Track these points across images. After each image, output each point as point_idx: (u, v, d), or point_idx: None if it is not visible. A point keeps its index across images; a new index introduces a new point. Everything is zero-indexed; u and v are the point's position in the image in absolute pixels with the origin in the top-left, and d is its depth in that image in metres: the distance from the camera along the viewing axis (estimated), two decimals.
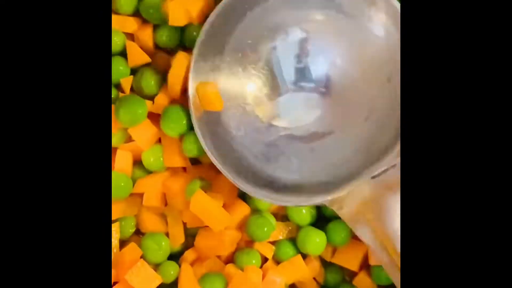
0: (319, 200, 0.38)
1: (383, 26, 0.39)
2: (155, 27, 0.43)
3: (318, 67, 0.41)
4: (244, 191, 0.39)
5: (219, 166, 0.39)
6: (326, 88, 0.41)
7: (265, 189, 0.39)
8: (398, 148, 0.38)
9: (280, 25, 0.40)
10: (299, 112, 0.41)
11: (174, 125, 0.40)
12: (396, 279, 0.35)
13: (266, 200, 0.39)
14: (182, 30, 0.43)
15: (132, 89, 0.42)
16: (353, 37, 0.40)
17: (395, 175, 0.37)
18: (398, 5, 0.38)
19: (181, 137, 0.41)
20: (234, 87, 0.41)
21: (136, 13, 0.43)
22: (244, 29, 0.40)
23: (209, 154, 0.39)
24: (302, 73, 0.41)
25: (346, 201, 0.38)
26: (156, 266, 0.41)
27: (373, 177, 0.37)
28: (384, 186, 0.37)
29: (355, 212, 0.37)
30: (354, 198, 0.37)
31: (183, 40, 0.42)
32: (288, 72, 0.41)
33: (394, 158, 0.38)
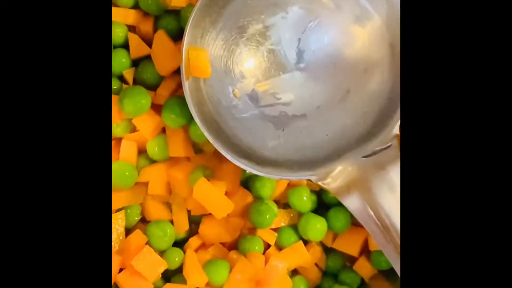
0: (302, 175, 0.40)
1: (370, 21, 0.42)
2: (156, 18, 0.45)
3: (309, 49, 0.43)
4: (226, 156, 0.40)
5: (204, 132, 0.40)
6: (308, 69, 0.43)
7: (244, 159, 0.41)
8: (390, 130, 0.40)
9: (278, 4, 0.42)
10: (280, 91, 0.43)
11: (175, 117, 0.43)
12: (388, 251, 0.37)
13: (247, 169, 0.40)
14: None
15: (134, 81, 0.45)
16: (342, 26, 0.42)
17: (388, 155, 0.39)
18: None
19: (185, 127, 0.43)
20: (222, 58, 0.42)
21: (136, 5, 0.45)
22: (241, 3, 0.42)
23: (196, 119, 0.40)
24: (293, 53, 0.43)
25: (335, 177, 0.40)
26: (161, 253, 0.43)
27: (365, 157, 0.40)
28: (375, 165, 0.39)
29: (344, 187, 0.39)
30: (343, 175, 0.40)
31: (181, 23, 0.44)
32: (279, 51, 0.43)
33: (387, 139, 0.40)
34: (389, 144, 0.40)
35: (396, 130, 0.40)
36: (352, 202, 0.39)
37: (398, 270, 0.37)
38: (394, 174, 0.38)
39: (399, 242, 0.37)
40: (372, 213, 0.38)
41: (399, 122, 0.40)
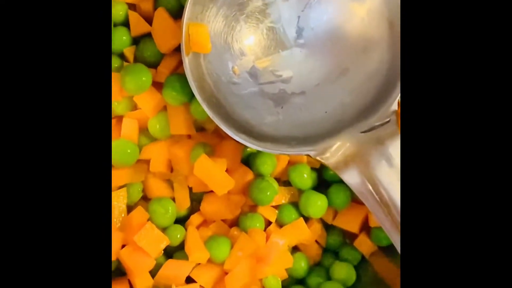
0: (300, 151, 0.41)
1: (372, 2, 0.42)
2: None
3: (308, 26, 0.44)
4: (225, 131, 0.41)
5: (204, 107, 0.41)
6: (307, 46, 0.44)
7: (244, 134, 0.42)
8: (388, 106, 0.41)
9: None
10: (279, 68, 0.44)
11: (176, 94, 0.43)
12: (386, 225, 0.38)
13: (246, 144, 0.41)
14: None
15: (135, 58, 0.45)
16: (341, 4, 0.43)
17: (387, 130, 0.40)
18: None
19: (186, 104, 0.44)
20: (222, 35, 0.43)
21: None
22: None
23: (196, 95, 0.41)
24: (292, 30, 0.44)
25: (334, 152, 0.41)
26: (163, 230, 0.44)
27: (363, 132, 0.41)
28: (373, 140, 0.40)
29: (343, 162, 0.40)
30: (342, 150, 0.41)
31: (181, 0, 0.45)
32: (279, 28, 0.44)
33: (386, 115, 0.41)
34: (387, 120, 0.41)
35: (394, 106, 0.41)
36: (351, 177, 0.39)
37: (396, 244, 0.38)
38: (393, 149, 0.39)
39: (397, 216, 0.37)
40: (371, 188, 0.39)
41: (397, 98, 0.41)
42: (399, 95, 0.41)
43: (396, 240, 0.38)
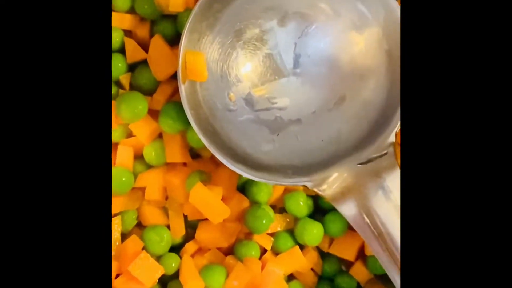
0: (297, 181, 0.41)
1: (367, 27, 0.43)
2: (152, 23, 0.46)
3: (305, 53, 0.44)
4: (221, 160, 0.41)
5: (200, 136, 0.41)
6: (304, 74, 0.44)
7: (240, 164, 0.42)
8: (385, 137, 0.41)
9: (274, 8, 0.43)
10: (275, 95, 0.44)
11: (172, 122, 0.43)
12: (382, 259, 0.38)
13: (242, 174, 0.41)
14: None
15: (131, 86, 0.45)
16: (339, 32, 0.43)
17: (384, 162, 0.40)
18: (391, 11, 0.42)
19: (182, 132, 0.44)
20: (218, 62, 0.43)
21: (132, 10, 0.46)
22: (238, 7, 0.43)
23: (192, 123, 0.41)
24: (289, 57, 0.44)
25: (331, 184, 0.41)
26: (158, 258, 0.44)
27: (361, 164, 0.41)
28: (371, 172, 0.40)
29: (340, 194, 0.40)
30: (339, 181, 0.41)
31: (178, 28, 0.45)
32: (276, 55, 0.44)
33: (383, 147, 0.41)
34: (385, 152, 0.40)
35: (392, 137, 0.41)
36: (348, 209, 0.39)
37: (392, 277, 0.38)
38: (390, 182, 0.39)
39: (394, 249, 0.37)
40: (368, 221, 0.38)
41: (395, 129, 0.41)
42: (396, 127, 0.41)
43: (392, 273, 0.38)
